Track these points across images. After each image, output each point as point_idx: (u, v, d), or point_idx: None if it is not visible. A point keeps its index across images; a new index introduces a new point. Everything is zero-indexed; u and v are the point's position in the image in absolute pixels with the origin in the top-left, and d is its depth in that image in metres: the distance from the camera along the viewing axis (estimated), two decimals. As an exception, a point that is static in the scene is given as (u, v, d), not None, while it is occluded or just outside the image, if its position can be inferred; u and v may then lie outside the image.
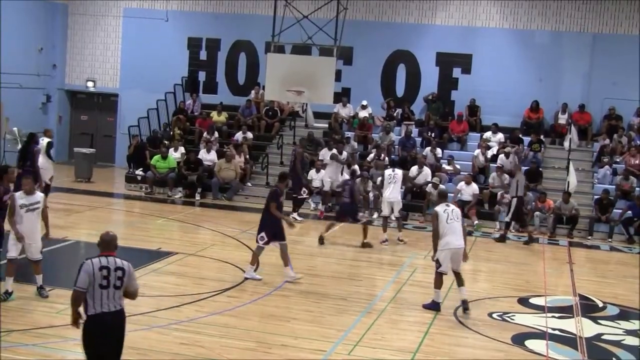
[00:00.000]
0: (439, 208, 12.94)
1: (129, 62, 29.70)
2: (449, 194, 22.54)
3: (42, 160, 19.37)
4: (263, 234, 14.11)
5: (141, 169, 25.33)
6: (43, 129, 22.22)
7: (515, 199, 20.38)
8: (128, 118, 28.73)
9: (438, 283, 12.96)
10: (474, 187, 22.59)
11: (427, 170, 23.43)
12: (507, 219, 20.79)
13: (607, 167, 23.90)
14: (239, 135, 26.16)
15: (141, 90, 28.85)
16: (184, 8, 29.33)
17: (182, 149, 25.36)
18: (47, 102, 29.78)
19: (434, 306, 12.94)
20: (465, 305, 12.89)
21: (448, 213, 12.85)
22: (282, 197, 14.41)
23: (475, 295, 14.18)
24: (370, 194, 22.82)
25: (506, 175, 23.22)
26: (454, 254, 12.83)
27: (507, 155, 24.04)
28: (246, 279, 14.05)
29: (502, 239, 20.37)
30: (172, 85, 28.79)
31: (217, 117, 27.48)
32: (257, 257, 14.35)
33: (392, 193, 19.06)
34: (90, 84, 30.15)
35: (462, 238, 12.95)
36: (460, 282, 13.04)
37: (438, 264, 12.90)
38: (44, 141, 20.21)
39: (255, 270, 14.32)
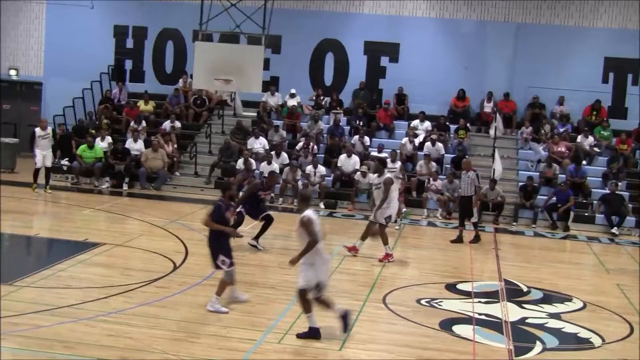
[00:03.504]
0: (312, 214, 10.64)
1: (53, 49, 29.16)
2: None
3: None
4: (222, 257, 11.76)
5: (67, 159, 24.93)
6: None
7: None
8: (53, 107, 28.11)
9: (308, 305, 10.62)
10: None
11: (355, 159, 23.59)
12: (475, 220, 19.11)
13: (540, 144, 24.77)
14: (166, 125, 25.93)
15: (66, 78, 28.28)
16: (109, -5, 28.86)
17: (109, 139, 25.04)
18: (-33, 91, 29.03)
19: (315, 333, 10.60)
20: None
21: (319, 221, 10.72)
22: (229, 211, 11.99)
23: (404, 282, 14.38)
24: (299, 183, 22.90)
25: (433, 163, 23.56)
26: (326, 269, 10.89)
27: (433, 142, 24.37)
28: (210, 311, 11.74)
29: (478, 239, 18.91)
30: (98, 73, 28.37)
31: (144, 106, 27.21)
32: (226, 284, 11.90)
33: None
34: (12, 72, 29.47)
35: None
36: (328, 304, 10.77)
37: (309, 284, 10.57)
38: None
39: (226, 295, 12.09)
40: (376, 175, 16.41)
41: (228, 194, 12.10)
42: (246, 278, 13.83)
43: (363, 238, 16.22)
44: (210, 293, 12.55)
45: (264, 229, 16.48)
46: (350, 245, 16.33)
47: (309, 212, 10.56)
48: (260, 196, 16.75)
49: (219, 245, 11.75)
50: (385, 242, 15.91)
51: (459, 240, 18.78)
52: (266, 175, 20.28)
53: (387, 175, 16.22)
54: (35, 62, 29.56)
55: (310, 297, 10.53)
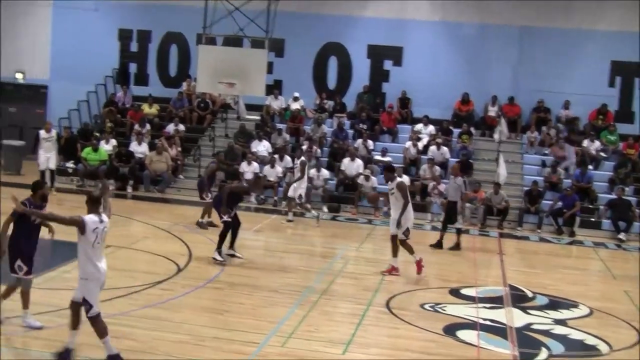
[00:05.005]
0: (91, 219, 9.67)
1: (59, 53, 29.11)
2: (376, 187, 22.74)
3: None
4: (19, 262, 10.47)
5: (72, 161, 24.96)
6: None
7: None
8: (58, 110, 28.15)
9: (76, 321, 9.48)
10: (405, 178, 22.72)
11: (358, 162, 23.55)
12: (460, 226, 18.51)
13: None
14: (170, 128, 25.95)
15: (71, 81, 28.25)
16: (114, -2, 28.88)
17: (113, 142, 25.09)
18: (-27, 93, 29.00)
19: (66, 354, 9.30)
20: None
21: (99, 232, 9.74)
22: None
23: (408, 287, 14.34)
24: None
25: (437, 167, 23.50)
26: (101, 285, 9.72)
27: (438, 146, 24.32)
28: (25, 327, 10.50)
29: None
30: (102, 77, 28.43)
31: (149, 109, 27.23)
32: (14, 293, 10.65)
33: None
34: (19, 75, 29.41)
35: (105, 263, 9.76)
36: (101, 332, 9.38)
37: (88, 304, 9.32)
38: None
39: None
40: (388, 182, 15.24)
41: (40, 194, 11.16)
42: (250, 281, 13.83)
43: (394, 254, 15.19)
44: (215, 296, 12.58)
45: (234, 235, 15.52)
46: (388, 268, 15.27)
47: (89, 216, 9.71)
48: (242, 199, 16.46)
49: (19, 249, 10.59)
50: (411, 252, 15.01)
51: (438, 245, 18.32)
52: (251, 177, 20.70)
53: (399, 179, 15.60)
54: (41, 65, 29.52)
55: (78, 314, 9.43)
